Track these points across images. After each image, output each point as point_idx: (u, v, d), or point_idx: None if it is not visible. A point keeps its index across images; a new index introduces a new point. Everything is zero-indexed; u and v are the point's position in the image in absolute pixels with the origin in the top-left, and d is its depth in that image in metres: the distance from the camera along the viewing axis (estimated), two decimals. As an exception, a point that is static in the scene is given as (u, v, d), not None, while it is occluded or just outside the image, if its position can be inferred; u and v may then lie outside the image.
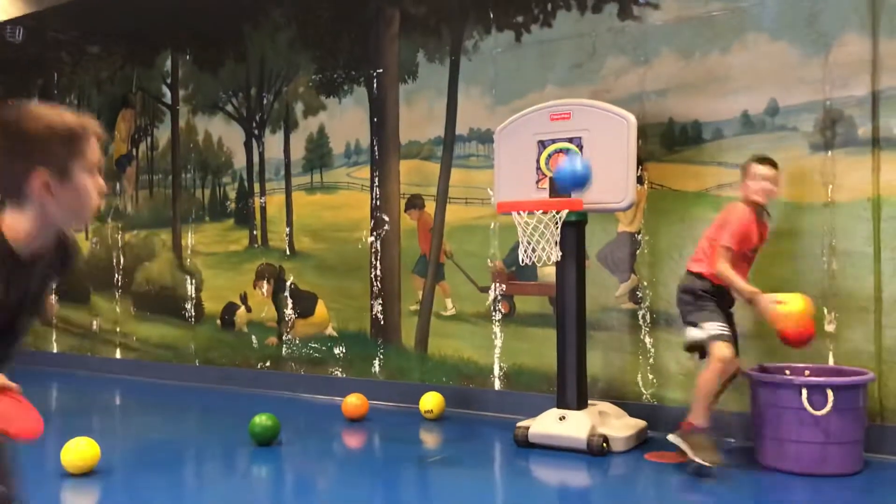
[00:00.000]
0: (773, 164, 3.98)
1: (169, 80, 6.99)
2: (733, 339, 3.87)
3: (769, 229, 4.05)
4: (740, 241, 3.86)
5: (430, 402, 5.08)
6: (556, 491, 3.92)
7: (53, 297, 7.69)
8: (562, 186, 4.05)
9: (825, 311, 4.18)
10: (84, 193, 1.74)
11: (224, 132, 6.65)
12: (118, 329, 7.27)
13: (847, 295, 4.13)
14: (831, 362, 4.14)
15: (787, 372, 3.99)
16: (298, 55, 6.19)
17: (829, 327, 4.16)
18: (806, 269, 4.23)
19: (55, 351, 7.71)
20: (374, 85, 5.80)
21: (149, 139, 7.16)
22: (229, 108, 6.61)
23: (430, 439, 4.79)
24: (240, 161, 6.57)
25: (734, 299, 4.00)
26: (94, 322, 7.47)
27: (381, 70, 5.77)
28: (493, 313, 5.28)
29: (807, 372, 3.99)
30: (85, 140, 1.73)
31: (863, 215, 4.10)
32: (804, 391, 3.67)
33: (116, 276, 7.33)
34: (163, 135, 7.05)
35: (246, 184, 6.54)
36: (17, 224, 1.71)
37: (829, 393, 3.64)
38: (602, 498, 3.71)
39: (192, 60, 6.84)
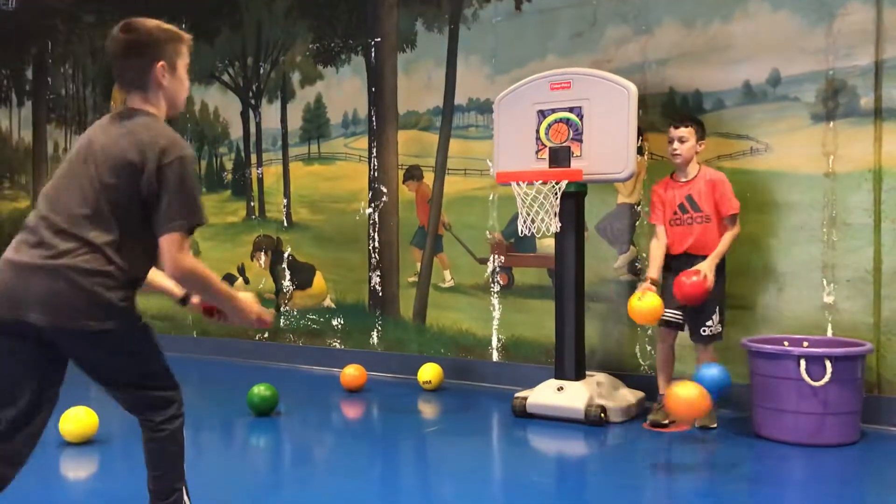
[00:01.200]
0: (681, 123, 4.12)
1: (164, 50, 6.90)
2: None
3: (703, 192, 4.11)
4: (654, 211, 4.27)
5: (429, 373, 5.09)
6: (553, 461, 3.93)
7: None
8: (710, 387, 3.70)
9: (824, 282, 4.17)
10: (183, 85, 2.29)
11: (220, 102, 6.59)
12: (115, 300, 7.25)
13: (846, 266, 4.12)
14: (830, 333, 4.14)
15: (786, 343, 3.99)
16: (295, 24, 6.12)
17: (828, 299, 4.16)
18: (805, 239, 4.22)
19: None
20: (373, 54, 5.74)
21: (145, 109, 7.09)
22: (225, 77, 6.55)
23: (428, 410, 4.79)
24: (236, 131, 6.52)
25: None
26: (92, 293, 7.45)
27: (379, 39, 5.71)
28: (492, 285, 5.27)
29: (805, 343, 3.99)
30: (185, 43, 2.28)
31: (864, 186, 4.08)
32: (802, 362, 3.67)
33: (113, 247, 7.29)
34: (159, 105, 6.98)
35: (243, 154, 6.49)
36: (155, 108, 2.23)
37: (828, 364, 3.64)
38: (599, 468, 3.72)
39: (188, 29, 6.74)
